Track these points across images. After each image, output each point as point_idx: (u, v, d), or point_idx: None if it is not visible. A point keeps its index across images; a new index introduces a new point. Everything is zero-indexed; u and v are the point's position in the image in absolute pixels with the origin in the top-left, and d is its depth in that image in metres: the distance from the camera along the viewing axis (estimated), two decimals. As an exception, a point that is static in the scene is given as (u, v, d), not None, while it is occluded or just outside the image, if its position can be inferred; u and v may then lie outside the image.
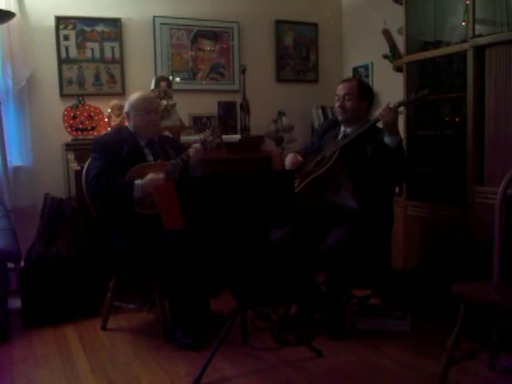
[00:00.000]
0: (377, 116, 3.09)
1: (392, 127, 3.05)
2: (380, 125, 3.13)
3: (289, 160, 3.46)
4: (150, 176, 3.19)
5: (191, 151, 3.35)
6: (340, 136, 3.40)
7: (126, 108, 3.41)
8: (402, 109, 3.89)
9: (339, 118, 3.40)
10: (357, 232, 3.13)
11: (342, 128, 3.42)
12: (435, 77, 3.80)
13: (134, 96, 3.43)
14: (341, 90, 3.35)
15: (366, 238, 3.18)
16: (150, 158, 3.38)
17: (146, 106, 3.35)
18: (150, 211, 3.15)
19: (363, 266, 3.28)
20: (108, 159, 3.26)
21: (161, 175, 3.20)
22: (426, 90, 3.03)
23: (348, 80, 3.43)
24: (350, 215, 3.21)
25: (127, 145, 3.33)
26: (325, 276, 3.21)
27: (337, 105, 3.36)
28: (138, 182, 3.18)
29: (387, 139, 3.06)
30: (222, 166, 4.06)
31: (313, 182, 3.23)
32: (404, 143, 3.92)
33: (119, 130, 3.59)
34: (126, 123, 3.51)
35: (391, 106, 3.04)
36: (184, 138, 4.20)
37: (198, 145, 3.40)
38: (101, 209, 3.40)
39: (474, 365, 2.68)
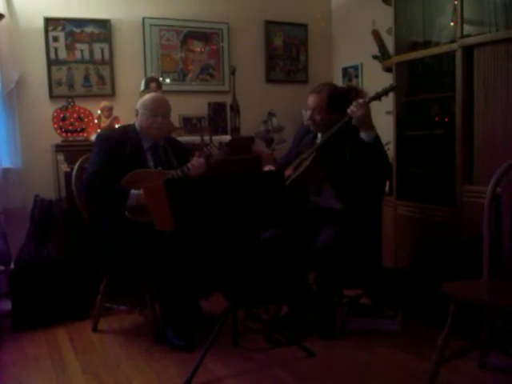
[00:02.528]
0: (348, 113, 3.06)
1: (364, 122, 3.03)
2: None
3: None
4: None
5: (192, 164, 3.32)
6: (318, 140, 3.37)
7: (137, 106, 3.39)
8: (391, 109, 3.93)
9: (311, 128, 3.40)
10: (347, 231, 3.14)
11: (319, 134, 3.39)
12: (424, 77, 3.82)
13: (147, 95, 3.43)
14: (311, 102, 3.31)
15: (356, 238, 3.19)
16: (151, 164, 3.36)
17: (153, 108, 3.32)
18: (141, 219, 3.11)
19: (354, 265, 3.29)
20: (108, 156, 3.23)
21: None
22: (393, 83, 3.04)
23: (318, 92, 3.31)
24: (338, 215, 3.21)
25: (130, 145, 3.30)
26: (316, 276, 3.22)
27: (307, 115, 3.34)
28: (134, 191, 3.15)
29: (363, 135, 3.05)
30: (211, 167, 4.05)
31: (292, 184, 3.21)
32: (393, 143, 3.96)
33: (126, 126, 3.54)
34: (115, 124, 3.47)
35: (360, 101, 3.03)
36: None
37: (201, 160, 3.36)
38: (93, 208, 3.38)
39: (464, 363, 2.69)
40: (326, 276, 3.15)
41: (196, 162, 3.33)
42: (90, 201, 3.38)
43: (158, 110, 3.34)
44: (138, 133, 3.38)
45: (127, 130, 3.44)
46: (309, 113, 3.32)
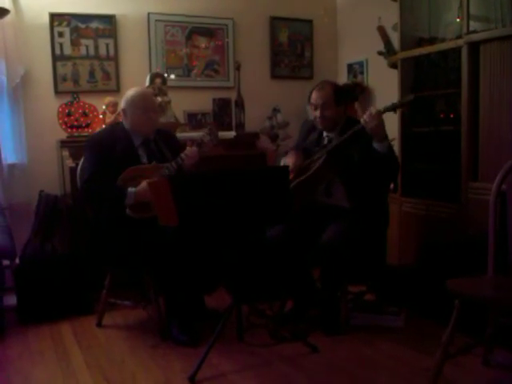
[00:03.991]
0: (361, 123, 2.99)
1: (377, 133, 2.97)
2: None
3: (291, 160, 3.36)
4: (143, 184, 3.13)
5: (185, 154, 3.28)
6: (325, 141, 3.34)
7: (123, 104, 3.32)
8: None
9: (319, 126, 3.33)
10: (352, 228, 3.13)
11: (325, 133, 3.36)
12: (430, 73, 3.81)
13: (130, 92, 3.34)
14: (317, 99, 3.24)
15: (361, 235, 3.18)
16: (144, 160, 3.33)
17: (143, 104, 3.27)
18: (141, 216, 3.13)
19: (358, 261, 3.29)
20: (100, 160, 3.21)
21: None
22: (411, 95, 2.99)
23: (322, 88, 3.27)
24: (345, 213, 3.21)
25: (121, 144, 3.27)
26: (320, 272, 3.22)
27: (315, 114, 3.27)
28: (131, 190, 3.14)
29: (376, 145, 3.00)
30: (216, 163, 4.05)
31: (299, 186, 3.20)
32: (399, 140, 3.95)
33: (113, 126, 3.51)
34: (121, 119, 3.45)
35: (373, 111, 2.94)
36: (179, 135, 4.18)
37: (193, 148, 3.31)
38: (94, 208, 3.37)
39: (468, 360, 2.69)
40: (331, 272, 3.15)
41: (189, 152, 3.29)
42: (90, 203, 3.38)
43: (149, 105, 3.31)
44: (127, 131, 3.33)
45: (115, 129, 3.40)
46: (316, 112, 3.25)
